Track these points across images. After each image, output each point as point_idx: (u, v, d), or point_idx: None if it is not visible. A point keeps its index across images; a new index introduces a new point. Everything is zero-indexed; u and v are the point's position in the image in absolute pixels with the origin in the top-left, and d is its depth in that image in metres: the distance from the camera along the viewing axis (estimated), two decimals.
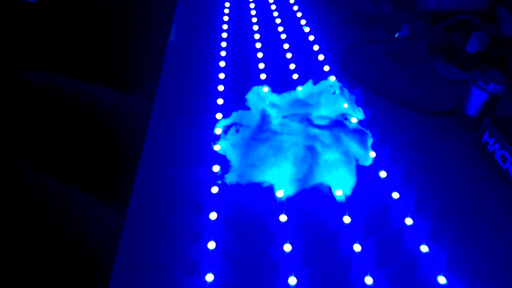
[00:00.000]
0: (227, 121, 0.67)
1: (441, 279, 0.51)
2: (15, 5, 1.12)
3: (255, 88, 0.70)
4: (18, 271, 0.63)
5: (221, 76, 0.81)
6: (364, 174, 0.63)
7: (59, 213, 0.71)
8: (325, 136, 0.62)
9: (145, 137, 0.68)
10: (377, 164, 0.65)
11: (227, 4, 1.07)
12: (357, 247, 0.53)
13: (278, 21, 1.02)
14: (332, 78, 0.81)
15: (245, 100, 0.70)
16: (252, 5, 1.08)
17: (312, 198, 0.60)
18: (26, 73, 0.98)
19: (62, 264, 0.65)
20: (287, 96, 0.71)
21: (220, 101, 0.74)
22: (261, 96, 0.70)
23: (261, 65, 0.85)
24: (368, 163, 0.64)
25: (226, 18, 1.01)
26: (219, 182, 0.60)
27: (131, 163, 0.64)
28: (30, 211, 0.69)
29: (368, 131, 0.65)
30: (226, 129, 0.66)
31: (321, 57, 0.89)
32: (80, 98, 0.94)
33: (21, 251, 0.65)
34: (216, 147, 0.65)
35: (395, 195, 0.60)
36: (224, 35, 0.94)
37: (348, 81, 0.81)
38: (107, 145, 0.85)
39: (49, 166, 0.78)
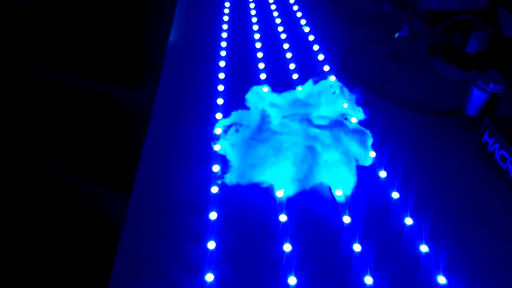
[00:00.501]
0: (227, 121, 0.67)
1: (441, 279, 0.51)
2: (17, 4, 1.12)
3: (255, 88, 0.70)
4: (16, 272, 0.63)
5: (221, 76, 0.81)
6: (364, 174, 0.63)
7: (65, 204, 0.71)
8: (325, 136, 0.62)
9: (145, 137, 0.68)
10: (377, 164, 0.65)
11: (227, 4, 1.07)
12: (357, 247, 0.53)
13: (278, 21, 1.02)
14: (332, 78, 0.81)
15: (245, 100, 0.70)
16: (252, 5, 1.08)
17: (312, 198, 0.60)
18: (30, 71, 0.98)
19: (62, 265, 0.65)
20: (287, 96, 0.71)
21: (220, 101, 0.74)
22: (261, 96, 0.70)
23: (261, 65, 0.85)
24: (368, 163, 0.64)
25: (226, 18, 1.01)
26: (219, 182, 0.60)
27: (130, 163, 0.64)
28: (35, 203, 0.70)
29: (368, 131, 0.65)
30: (226, 129, 0.66)
31: (321, 57, 0.89)
32: (80, 96, 0.94)
33: (21, 253, 0.65)
34: (216, 147, 0.65)
35: (395, 195, 0.60)
36: (224, 35, 0.94)
37: (348, 81, 0.81)
38: (106, 146, 0.85)
39: (50, 163, 0.78)
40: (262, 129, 0.63)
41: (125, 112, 0.92)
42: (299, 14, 1.05)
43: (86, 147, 0.84)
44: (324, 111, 0.68)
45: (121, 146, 0.84)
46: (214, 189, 0.59)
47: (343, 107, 0.70)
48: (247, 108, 0.69)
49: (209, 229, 0.55)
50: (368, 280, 0.50)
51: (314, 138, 0.62)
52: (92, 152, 0.84)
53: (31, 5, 1.13)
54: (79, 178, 0.76)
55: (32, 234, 0.67)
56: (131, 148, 0.70)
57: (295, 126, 0.64)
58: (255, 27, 0.98)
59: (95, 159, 0.83)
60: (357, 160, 0.63)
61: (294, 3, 1.10)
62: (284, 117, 0.66)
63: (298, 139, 0.62)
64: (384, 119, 0.74)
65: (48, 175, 0.75)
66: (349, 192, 0.60)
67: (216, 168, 0.62)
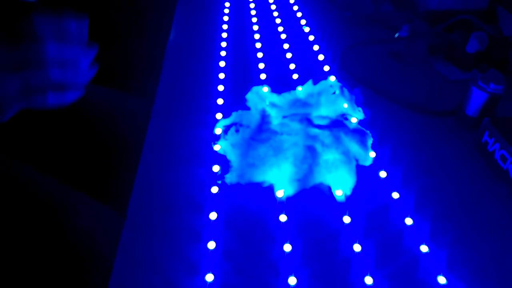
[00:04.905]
0: (227, 121, 0.67)
1: (441, 279, 0.51)
2: (15, 5, 1.12)
3: (255, 88, 0.70)
4: (17, 272, 0.63)
5: (221, 76, 0.81)
6: (364, 174, 0.63)
7: (58, 214, 0.71)
8: (325, 136, 0.62)
9: (145, 137, 0.68)
10: (377, 164, 0.65)
11: (227, 4, 1.07)
12: (357, 247, 0.53)
13: (278, 21, 1.02)
14: (332, 78, 0.81)
15: (245, 100, 0.70)
16: (252, 5, 1.08)
17: (312, 198, 0.60)
18: None
19: (61, 265, 0.65)
20: (287, 96, 0.71)
21: (220, 101, 0.74)
22: (261, 96, 0.70)
23: (261, 65, 0.85)
24: (368, 163, 0.64)
25: (226, 18, 1.01)
26: (219, 182, 0.60)
27: (131, 163, 0.64)
28: (29, 212, 0.69)
29: (368, 131, 0.65)
30: (226, 129, 0.66)
31: (321, 57, 0.89)
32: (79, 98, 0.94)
33: (20, 252, 0.65)
34: (216, 147, 0.65)
35: (395, 195, 0.60)
36: (224, 35, 0.94)
37: (348, 81, 0.81)
38: (106, 146, 0.85)
39: (47, 167, 0.78)
40: (262, 129, 0.63)
41: (125, 112, 0.92)
42: (299, 14, 1.05)
43: (82, 151, 0.84)
44: (324, 111, 0.68)
45: (121, 145, 0.83)
46: (214, 189, 0.59)
47: (343, 107, 0.70)
48: (247, 108, 0.69)
49: (209, 229, 0.55)
50: (368, 280, 0.50)
51: (314, 138, 0.62)
52: (88, 156, 0.84)
53: (30, 5, 1.13)
54: (73, 187, 0.75)
55: (30, 239, 0.67)
56: (131, 147, 0.70)
57: (295, 126, 0.64)
58: (255, 27, 0.98)
59: (92, 162, 0.82)
60: (357, 160, 0.63)
61: (294, 3, 1.10)
62: (284, 117, 0.66)
63: (298, 139, 0.62)
64: (384, 119, 0.74)
65: (42, 182, 0.75)
66: (349, 192, 0.60)
67: (216, 168, 0.62)
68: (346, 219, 0.57)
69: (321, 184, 0.61)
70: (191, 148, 0.66)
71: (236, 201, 0.59)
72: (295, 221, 0.56)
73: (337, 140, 0.62)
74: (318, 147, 0.61)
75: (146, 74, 0.92)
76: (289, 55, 0.89)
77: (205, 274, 0.49)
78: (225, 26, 0.97)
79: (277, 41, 0.94)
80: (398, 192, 0.61)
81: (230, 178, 0.60)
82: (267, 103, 0.68)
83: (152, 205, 0.58)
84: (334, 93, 0.70)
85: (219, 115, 0.71)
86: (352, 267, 0.52)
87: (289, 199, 0.59)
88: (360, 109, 0.71)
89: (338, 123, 0.64)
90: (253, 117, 0.66)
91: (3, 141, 0.78)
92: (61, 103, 0.53)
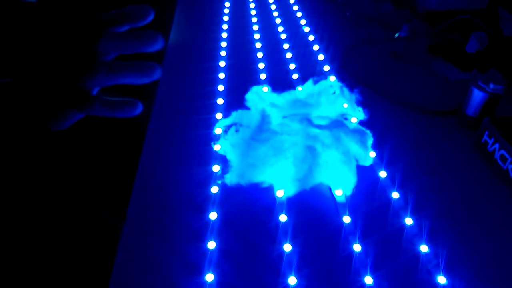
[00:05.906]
0: (227, 121, 0.67)
1: (441, 279, 0.51)
2: (15, 5, 1.12)
3: (255, 88, 0.70)
4: (17, 271, 0.63)
5: (221, 76, 0.81)
6: (364, 174, 0.63)
7: (58, 214, 0.71)
8: (325, 136, 0.62)
9: (145, 137, 0.68)
10: (377, 164, 0.65)
11: (227, 4, 1.07)
12: (357, 247, 0.53)
13: (278, 21, 1.02)
14: (332, 78, 0.81)
15: (245, 100, 0.70)
16: (252, 5, 1.08)
17: (312, 198, 0.60)
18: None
19: (62, 265, 0.65)
20: (287, 96, 0.71)
21: (220, 101, 0.75)
22: (261, 96, 0.70)
23: (261, 65, 0.85)
24: (368, 163, 0.64)
25: (226, 18, 1.01)
26: (219, 182, 0.60)
27: (130, 163, 0.64)
28: (29, 213, 0.69)
29: (368, 131, 0.65)
30: (226, 129, 0.66)
31: (321, 57, 0.89)
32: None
33: (20, 252, 0.65)
34: (216, 147, 0.65)
35: (395, 195, 0.60)
36: (224, 35, 0.94)
37: (348, 81, 0.81)
38: (106, 145, 0.85)
39: (46, 168, 0.78)
40: (262, 129, 0.63)
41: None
42: (299, 14, 1.05)
43: (81, 152, 0.84)
44: (324, 111, 0.68)
45: (120, 145, 0.83)
46: (214, 189, 0.59)
47: (343, 107, 0.70)
48: (247, 108, 0.69)
49: (209, 229, 0.55)
50: (368, 280, 0.50)
51: (314, 138, 0.62)
52: (87, 156, 0.84)
53: (30, 5, 1.13)
54: (72, 188, 0.75)
55: (30, 239, 0.67)
56: (130, 147, 0.70)
57: (295, 126, 0.64)
58: (255, 27, 0.98)
59: (91, 163, 0.82)
60: (357, 160, 0.63)
61: (294, 3, 1.10)
62: (284, 117, 0.66)
63: (298, 139, 0.62)
64: (384, 119, 0.74)
65: (42, 183, 0.75)
66: (349, 192, 0.60)
67: (216, 168, 0.62)
68: (346, 219, 0.57)
69: (321, 184, 0.61)
70: (191, 148, 0.66)
71: (236, 201, 0.59)
72: (295, 221, 0.56)
73: (337, 140, 0.62)
74: (318, 147, 0.61)
75: None
76: (289, 55, 0.89)
77: (205, 274, 0.49)
78: (225, 26, 0.97)
79: (277, 41, 0.94)
80: (398, 192, 0.61)
81: (230, 178, 0.60)
82: (267, 103, 0.68)
83: (152, 205, 0.58)
84: (334, 93, 0.70)
85: (219, 115, 0.71)
86: (352, 267, 0.52)
87: (289, 199, 0.59)
88: (360, 109, 0.71)
89: (338, 123, 0.64)
90: (253, 117, 0.66)
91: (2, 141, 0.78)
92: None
